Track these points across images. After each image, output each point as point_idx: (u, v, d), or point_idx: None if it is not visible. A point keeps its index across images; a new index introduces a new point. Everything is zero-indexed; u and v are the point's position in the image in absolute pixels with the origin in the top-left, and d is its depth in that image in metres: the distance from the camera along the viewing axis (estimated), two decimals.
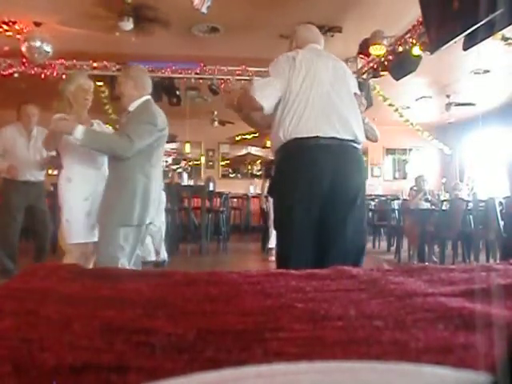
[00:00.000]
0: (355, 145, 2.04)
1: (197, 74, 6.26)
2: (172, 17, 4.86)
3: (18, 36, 5.09)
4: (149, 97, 2.56)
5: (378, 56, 5.46)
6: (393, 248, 6.29)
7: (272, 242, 5.36)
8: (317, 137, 1.95)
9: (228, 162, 10.55)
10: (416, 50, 5.05)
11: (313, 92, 2.01)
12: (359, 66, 6.37)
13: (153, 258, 4.73)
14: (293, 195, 1.98)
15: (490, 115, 8.50)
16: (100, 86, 5.61)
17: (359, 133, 2.05)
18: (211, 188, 7.65)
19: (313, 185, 1.96)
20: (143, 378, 0.49)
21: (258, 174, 10.50)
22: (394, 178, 10.91)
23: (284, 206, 2.05)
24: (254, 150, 10.46)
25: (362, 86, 6.00)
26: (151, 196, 2.47)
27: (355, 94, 2.18)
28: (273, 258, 4.94)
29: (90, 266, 2.54)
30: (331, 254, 1.94)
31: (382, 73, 5.92)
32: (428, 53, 4.49)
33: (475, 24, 3.17)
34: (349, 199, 2.01)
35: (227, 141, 10.13)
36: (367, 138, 2.41)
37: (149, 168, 2.48)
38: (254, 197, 9.35)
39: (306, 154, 1.97)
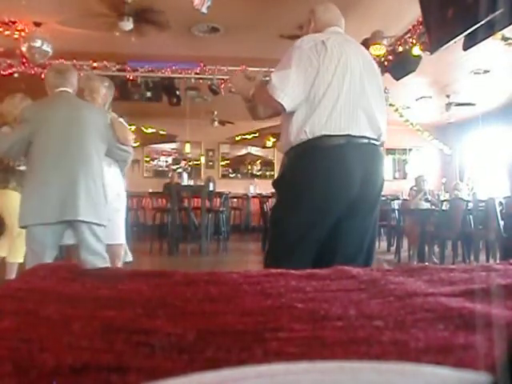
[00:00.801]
0: (379, 144, 1.88)
1: (197, 74, 6.26)
2: (172, 17, 4.86)
3: (18, 36, 5.10)
4: (52, 92, 2.51)
5: (378, 56, 5.46)
6: (393, 248, 6.29)
7: None
8: (348, 135, 1.74)
9: (228, 162, 10.55)
10: (416, 50, 5.05)
11: (345, 84, 1.77)
12: None
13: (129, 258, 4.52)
14: (319, 197, 1.76)
15: (490, 115, 8.50)
16: None
17: (384, 132, 1.87)
18: (211, 188, 7.65)
19: (343, 187, 1.77)
20: (143, 378, 0.49)
21: (258, 173, 10.51)
22: (394, 177, 10.91)
23: (304, 208, 1.77)
24: (253, 150, 10.46)
25: None
26: (38, 192, 2.30)
27: None
28: None
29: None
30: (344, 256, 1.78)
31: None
32: (428, 53, 4.49)
33: (475, 24, 3.17)
34: (373, 202, 1.89)
35: (227, 141, 10.14)
36: None
37: (34, 161, 2.37)
38: (253, 197, 9.36)
39: (336, 154, 1.74)
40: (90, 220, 2.36)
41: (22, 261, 3.19)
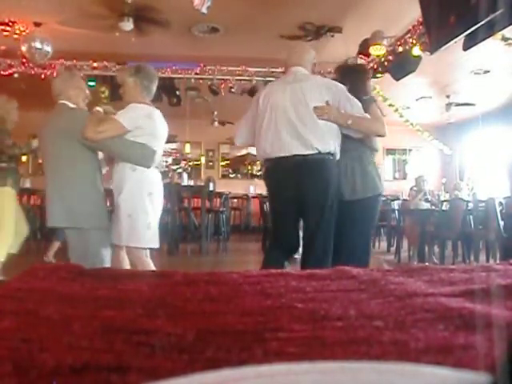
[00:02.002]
0: (319, 156, 2.37)
1: (197, 74, 6.26)
2: (172, 17, 4.86)
3: (18, 36, 5.10)
4: None
5: (378, 56, 5.46)
6: (393, 248, 6.29)
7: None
8: (280, 157, 2.41)
9: (228, 162, 10.54)
10: (416, 50, 5.05)
11: (272, 122, 2.44)
12: None
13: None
14: (271, 198, 2.65)
15: (490, 115, 8.50)
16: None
17: (320, 145, 2.37)
18: (211, 188, 7.64)
19: (280, 192, 2.51)
20: (143, 378, 0.49)
21: (258, 174, 10.51)
22: (394, 178, 10.90)
23: (270, 205, 2.75)
24: (254, 151, 10.39)
25: None
26: None
27: (327, 102, 2.41)
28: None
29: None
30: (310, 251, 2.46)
31: (378, 75, 5.92)
32: (428, 53, 4.48)
33: (475, 24, 3.17)
34: (316, 204, 2.42)
35: (227, 141, 10.12)
36: (368, 136, 2.60)
37: None
38: (253, 197, 9.35)
39: (274, 171, 2.50)
40: (62, 225, 2.49)
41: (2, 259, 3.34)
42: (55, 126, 2.54)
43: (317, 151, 2.36)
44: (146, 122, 2.54)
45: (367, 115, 2.48)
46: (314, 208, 2.42)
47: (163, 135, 2.69)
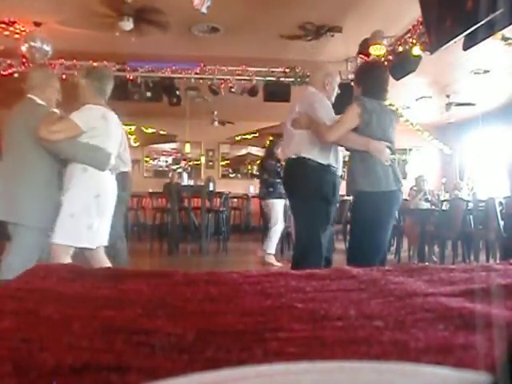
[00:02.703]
0: (291, 161, 2.91)
1: (197, 74, 6.25)
2: (172, 17, 4.86)
3: (18, 36, 5.10)
4: None
5: (378, 56, 5.45)
6: (393, 248, 6.29)
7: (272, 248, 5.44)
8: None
9: (228, 161, 10.53)
10: (416, 50, 5.04)
11: None
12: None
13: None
14: None
15: (490, 115, 8.50)
16: None
17: (292, 151, 2.90)
18: (211, 188, 7.64)
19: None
20: (143, 378, 0.49)
21: (258, 174, 10.51)
22: None
23: None
24: (254, 150, 10.44)
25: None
26: None
27: (300, 114, 2.84)
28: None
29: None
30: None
31: None
32: (428, 53, 4.48)
33: (475, 24, 3.17)
34: (291, 200, 3.07)
35: (227, 141, 10.13)
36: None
37: None
38: (253, 197, 9.35)
39: None
40: (2, 218, 2.50)
41: None
42: (17, 119, 2.58)
43: (288, 156, 2.94)
44: (100, 123, 2.52)
45: (326, 121, 2.75)
46: (291, 203, 3.09)
47: (117, 137, 2.67)
